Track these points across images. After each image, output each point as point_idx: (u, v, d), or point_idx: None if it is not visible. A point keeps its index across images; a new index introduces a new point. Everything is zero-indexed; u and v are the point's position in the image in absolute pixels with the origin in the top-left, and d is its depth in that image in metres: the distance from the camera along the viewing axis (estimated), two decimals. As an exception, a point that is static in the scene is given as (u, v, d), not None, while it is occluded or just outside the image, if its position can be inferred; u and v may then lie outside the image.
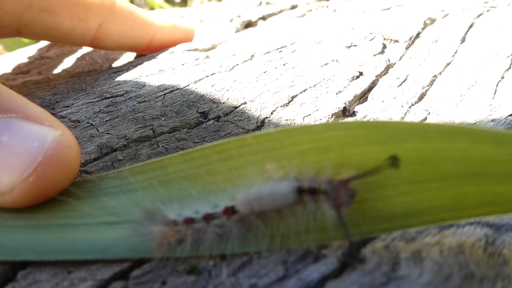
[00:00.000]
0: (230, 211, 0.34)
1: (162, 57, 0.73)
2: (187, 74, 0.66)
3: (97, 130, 0.53)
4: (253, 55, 0.71)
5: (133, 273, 0.34)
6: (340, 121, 0.34)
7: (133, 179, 0.39)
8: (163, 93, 0.61)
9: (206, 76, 0.65)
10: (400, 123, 0.33)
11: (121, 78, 0.67)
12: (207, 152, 0.38)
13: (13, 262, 0.35)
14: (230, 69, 0.66)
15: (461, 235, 0.33)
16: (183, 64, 0.69)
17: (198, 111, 0.57)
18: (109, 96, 0.60)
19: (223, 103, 0.58)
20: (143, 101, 0.59)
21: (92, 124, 0.54)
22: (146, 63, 0.71)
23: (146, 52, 0.76)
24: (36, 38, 0.69)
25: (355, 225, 0.34)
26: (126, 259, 0.36)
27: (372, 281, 0.29)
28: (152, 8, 2.20)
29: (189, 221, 0.35)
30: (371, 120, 0.33)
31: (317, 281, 0.31)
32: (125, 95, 0.61)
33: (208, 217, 0.34)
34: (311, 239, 0.35)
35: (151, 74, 0.67)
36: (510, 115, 0.52)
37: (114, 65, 0.77)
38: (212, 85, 0.62)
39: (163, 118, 0.55)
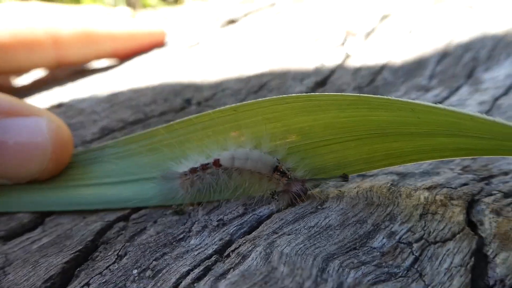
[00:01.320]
0: (217, 162, 0.45)
1: (153, 53, 0.84)
2: (174, 67, 0.77)
3: (99, 115, 0.64)
4: (231, 50, 0.82)
5: (132, 216, 0.46)
6: (281, 96, 0.44)
7: (128, 147, 0.51)
8: (153, 84, 0.72)
9: (190, 68, 0.76)
10: (323, 96, 0.43)
11: (118, 72, 0.78)
12: (184, 124, 0.49)
13: (42, 212, 0.47)
14: (211, 62, 0.77)
15: (375, 181, 0.44)
16: (170, 59, 0.80)
17: (183, 98, 0.68)
18: (108, 87, 0.71)
19: (204, 91, 0.70)
20: (137, 91, 0.70)
21: (95, 111, 0.65)
22: (139, 59, 0.82)
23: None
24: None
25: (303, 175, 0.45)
26: (126, 208, 0.47)
27: (304, 211, 0.41)
28: (145, 7, 2.30)
29: (193, 170, 0.46)
30: (303, 94, 0.43)
31: (267, 215, 0.42)
32: (121, 87, 0.72)
33: (204, 167, 0.45)
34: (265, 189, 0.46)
35: (143, 68, 0.78)
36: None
37: (112, 62, 0.88)
38: (195, 76, 0.73)
39: (153, 105, 0.66)
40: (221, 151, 0.46)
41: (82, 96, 0.70)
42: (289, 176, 0.43)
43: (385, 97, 0.39)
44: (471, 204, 0.41)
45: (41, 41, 0.68)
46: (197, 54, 0.82)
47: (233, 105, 0.46)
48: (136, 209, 0.47)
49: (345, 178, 0.42)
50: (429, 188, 0.42)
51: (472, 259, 0.35)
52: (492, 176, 0.44)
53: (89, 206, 0.47)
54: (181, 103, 0.67)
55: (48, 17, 0.72)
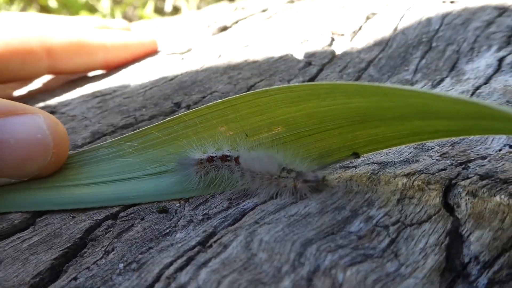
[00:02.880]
0: (237, 159, 0.46)
1: (145, 61, 0.86)
2: (164, 74, 0.78)
3: (90, 121, 0.65)
4: (220, 55, 0.83)
5: (120, 214, 0.47)
6: (263, 89, 0.46)
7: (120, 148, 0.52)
8: (144, 90, 0.73)
9: (180, 74, 0.77)
10: (302, 86, 0.44)
11: (109, 80, 0.80)
12: (173, 122, 0.50)
13: (34, 212, 0.48)
14: (201, 67, 0.79)
15: (356, 171, 0.45)
16: (161, 66, 0.82)
17: (173, 102, 0.69)
18: (99, 94, 0.73)
19: (193, 94, 0.71)
20: (128, 97, 0.71)
21: (86, 117, 0.67)
22: (131, 67, 0.84)
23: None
24: None
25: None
26: (116, 206, 0.48)
27: (285, 202, 0.42)
28: (141, 19, 2.33)
29: (210, 159, 0.47)
30: (284, 86, 0.44)
31: (251, 208, 0.43)
32: (112, 93, 0.73)
33: (223, 157, 0.47)
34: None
35: (135, 75, 0.80)
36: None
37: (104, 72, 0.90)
38: (185, 81, 0.75)
39: (143, 109, 0.68)
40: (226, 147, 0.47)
41: (74, 104, 0.71)
42: (296, 171, 0.43)
43: (358, 82, 0.40)
44: (449, 188, 0.42)
45: (35, 51, 0.70)
46: (188, 60, 0.84)
47: (219, 100, 0.48)
48: (124, 208, 0.48)
49: (356, 155, 0.43)
50: (407, 175, 0.43)
51: (447, 238, 0.36)
52: (469, 161, 0.45)
53: (82, 205, 0.49)
54: (171, 106, 0.68)
55: (41, 26, 0.74)
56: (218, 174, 0.48)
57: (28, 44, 0.69)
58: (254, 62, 0.79)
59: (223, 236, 0.39)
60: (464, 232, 0.37)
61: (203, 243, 0.39)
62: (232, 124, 0.48)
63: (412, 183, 0.42)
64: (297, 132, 0.47)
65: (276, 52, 0.82)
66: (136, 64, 0.85)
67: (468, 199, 0.40)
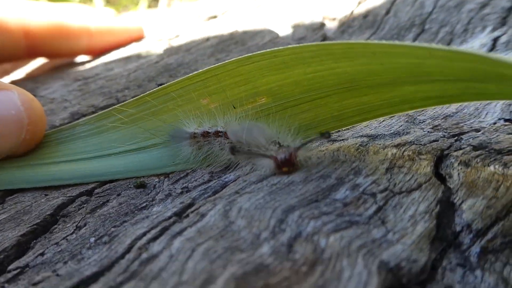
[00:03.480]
0: (226, 134, 0.43)
1: (131, 47, 0.84)
2: (150, 58, 0.76)
3: (70, 103, 0.63)
4: (208, 39, 0.81)
5: (96, 191, 0.44)
6: (246, 55, 0.43)
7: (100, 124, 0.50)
8: (128, 72, 0.71)
9: (167, 57, 0.75)
10: (286, 49, 0.42)
11: (93, 64, 0.77)
12: (153, 96, 0.48)
13: (4, 191, 0.46)
14: (187, 50, 0.77)
15: (344, 143, 0.43)
16: (147, 51, 0.80)
17: (157, 83, 0.67)
18: (81, 78, 0.71)
19: (179, 76, 0.69)
20: (110, 80, 0.69)
21: (66, 99, 0.64)
22: (116, 52, 0.82)
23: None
24: None
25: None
26: (93, 182, 0.45)
27: (268, 173, 0.39)
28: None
29: (205, 134, 0.44)
30: (267, 50, 0.42)
31: (233, 180, 0.41)
32: (95, 77, 0.71)
33: (217, 133, 0.44)
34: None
35: (119, 60, 0.77)
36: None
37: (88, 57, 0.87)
38: (171, 63, 0.72)
39: (126, 91, 0.65)
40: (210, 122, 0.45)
41: (54, 87, 0.69)
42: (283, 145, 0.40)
43: (345, 41, 0.38)
44: (440, 159, 0.40)
45: (12, 30, 0.68)
46: (175, 44, 0.81)
47: (200, 70, 0.46)
48: (100, 184, 0.45)
49: (325, 135, 0.38)
50: (397, 146, 0.41)
51: (438, 206, 0.34)
52: (462, 133, 0.43)
53: (56, 182, 0.46)
54: (154, 87, 0.66)
55: (21, 9, 0.72)
56: (210, 149, 0.45)
57: (4, 23, 0.67)
58: (243, 45, 0.77)
59: (201, 206, 0.36)
60: (456, 200, 0.35)
61: (180, 214, 0.36)
62: (215, 96, 0.46)
63: (402, 153, 0.40)
64: (283, 103, 0.44)
65: (266, 36, 0.80)
66: (121, 50, 0.83)
67: (461, 168, 0.38)
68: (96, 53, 0.83)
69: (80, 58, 0.86)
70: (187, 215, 0.36)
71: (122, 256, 0.33)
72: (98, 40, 0.81)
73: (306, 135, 0.43)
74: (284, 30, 0.81)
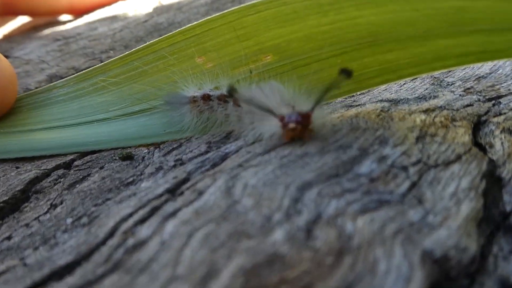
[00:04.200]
0: (236, 101, 0.36)
1: (117, 5, 0.76)
2: (138, 16, 0.68)
3: (48, 64, 0.56)
4: (203, -3, 0.74)
5: (75, 163, 0.38)
6: (250, 3, 0.37)
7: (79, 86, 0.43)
8: (113, 32, 0.64)
9: (156, 15, 0.68)
10: None
11: (75, 24, 0.69)
12: (141, 54, 0.41)
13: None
14: (179, 8, 0.69)
15: (361, 109, 0.37)
16: (135, 9, 0.72)
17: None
18: (61, 38, 0.63)
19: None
20: (94, 40, 0.62)
21: (43, 60, 0.57)
22: (100, 11, 0.74)
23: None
24: None
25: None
26: (71, 153, 0.39)
27: (276, 142, 0.33)
28: None
29: (206, 96, 0.38)
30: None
31: (234, 151, 0.35)
32: (76, 36, 0.64)
33: (222, 97, 0.37)
34: None
35: (104, 19, 0.70)
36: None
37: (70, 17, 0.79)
38: (161, 23, 0.65)
39: (111, 52, 0.58)
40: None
41: (31, 47, 0.61)
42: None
43: None
44: (477, 126, 0.34)
45: None
46: (165, 2, 0.74)
47: (194, 23, 0.39)
48: (81, 156, 0.39)
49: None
50: (426, 111, 0.35)
51: (483, 182, 0.28)
52: (500, 96, 0.37)
53: (29, 153, 0.40)
54: (143, 49, 0.59)
55: None
56: (211, 116, 0.38)
57: None
58: (241, 3, 0.70)
59: (198, 182, 0.30)
60: (503, 175, 0.29)
61: (173, 191, 0.31)
62: (211, 54, 0.40)
63: (433, 119, 0.34)
64: (291, 62, 0.38)
65: None
66: (107, 8, 0.75)
67: (504, 137, 0.32)
68: (79, 12, 0.75)
69: (61, 18, 0.79)
70: (182, 193, 0.30)
71: (104, 241, 0.27)
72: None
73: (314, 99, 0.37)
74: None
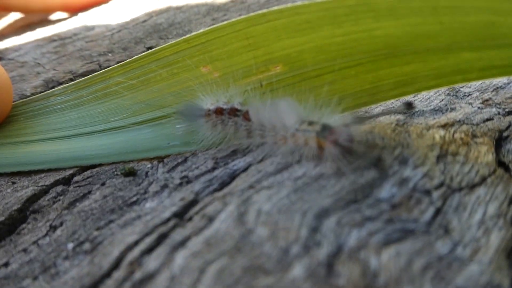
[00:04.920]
0: (247, 115, 0.34)
1: (113, 3, 0.73)
2: (137, 16, 0.66)
3: (44, 67, 0.54)
4: (202, -5, 0.71)
5: (74, 178, 0.36)
6: (260, 12, 0.35)
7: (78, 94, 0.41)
8: (111, 33, 0.61)
9: (155, 15, 0.65)
10: (314, 5, 0.33)
11: (70, 23, 0.67)
12: (144, 61, 0.39)
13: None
14: (178, 8, 0.67)
15: (375, 123, 0.36)
16: (133, 7, 0.70)
17: (146, 46, 0.58)
18: (57, 38, 0.61)
19: (170, 38, 0.59)
20: (91, 41, 0.59)
21: (39, 63, 0.55)
22: (96, 9, 0.71)
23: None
24: None
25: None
26: (71, 167, 0.37)
27: (287, 161, 0.31)
28: None
29: (220, 110, 0.36)
30: (287, 6, 0.34)
31: (243, 168, 0.33)
32: (73, 37, 0.61)
33: (232, 111, 0.35)
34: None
35: (100, 17, 0.67)
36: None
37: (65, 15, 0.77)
38: (160, 23, 0.63)
39: (110, 54, 0.56)
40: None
41: (26, 48, 0.59)
42: (322, 124, 0.31)
43: None
44: (498, 142, 0.33)
45: None
46: (165, 1, 0.71)
47: (201, 30, 0.37)
48: (80, 171, 0.37)
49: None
50: (444, 126, 0.34)
51: (511, 207, 0.27)
52: (520, 109, 0.36)
53: (25, 167, 0.38)
54: (142, 51, 0.57)
55: None
56: (224, 130, 0.36)
57: None
58: (242, 2, 0.68)
59: (208, 205, 0.29)
60: (530, 198, 0.28)
61: (181, 215, 0.29)
62: (218, 63, 0.38)
63: (453, 135, 0.32)
64: (301, 73, 0.36)
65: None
66: (103, 6, 0.72)
67: (529, 155, 0.30)
68: (74, 10, 0.72)
69: (56, 16, 0.76)
70: (191, 218, 0.28)
71: (109, 273, 0.25)
72: None
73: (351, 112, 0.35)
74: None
